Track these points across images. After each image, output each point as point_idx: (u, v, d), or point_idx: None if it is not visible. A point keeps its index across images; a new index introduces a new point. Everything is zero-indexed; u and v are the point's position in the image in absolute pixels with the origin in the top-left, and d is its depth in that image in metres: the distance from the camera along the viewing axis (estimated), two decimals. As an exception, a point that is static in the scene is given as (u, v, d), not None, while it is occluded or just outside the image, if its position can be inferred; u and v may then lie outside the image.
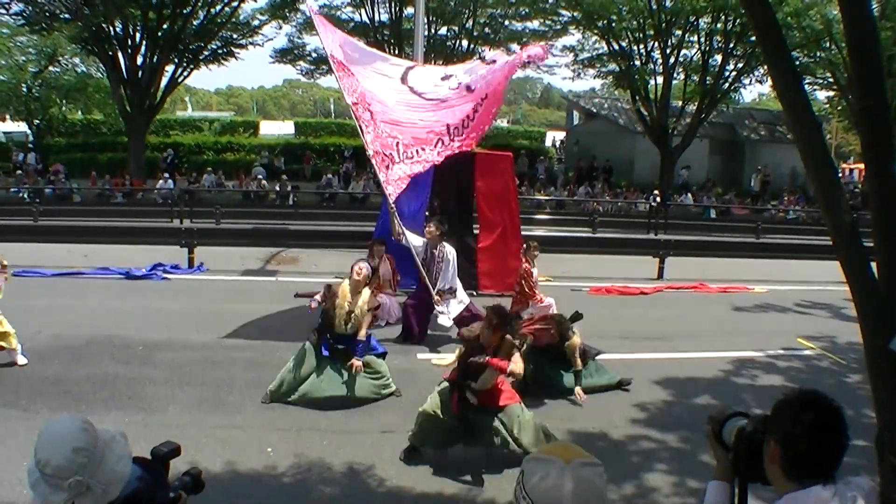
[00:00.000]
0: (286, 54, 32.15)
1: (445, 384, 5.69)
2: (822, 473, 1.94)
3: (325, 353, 6.82)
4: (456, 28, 30.52)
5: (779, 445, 1.98)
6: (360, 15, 30.03)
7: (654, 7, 25.87)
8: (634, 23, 26.79)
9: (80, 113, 32.66)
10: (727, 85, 28.34)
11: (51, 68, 27.18)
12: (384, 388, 6.99)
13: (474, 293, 11.68)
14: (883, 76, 3.40)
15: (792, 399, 2.03)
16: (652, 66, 28.13)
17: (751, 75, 28.67)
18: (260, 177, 26.61)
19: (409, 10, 26.83)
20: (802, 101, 3.61)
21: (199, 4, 26.69)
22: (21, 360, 7.41)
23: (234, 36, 30.01)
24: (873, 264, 3.51)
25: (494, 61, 9.47)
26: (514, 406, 5.57)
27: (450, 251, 8.98)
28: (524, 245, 10.98)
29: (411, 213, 11.24)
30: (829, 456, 1.96)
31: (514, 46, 31.31)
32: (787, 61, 3.67)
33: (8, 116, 29.42)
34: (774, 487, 2.02)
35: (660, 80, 28.11)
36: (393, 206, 8.57)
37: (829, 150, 3.92)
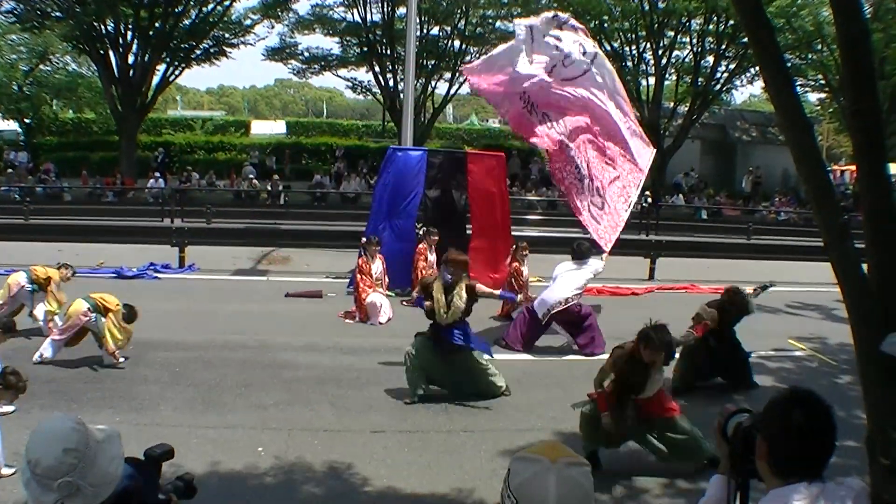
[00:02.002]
0: (278, 53, 32.06)
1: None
2: (808, 471, 1.94)
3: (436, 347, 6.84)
4: (448, 28, 30.51)
5: (766, 441, 1.99)
6: (353, 15, 30.04)
7: (647, 8, 25.93)
8: (626, 23, 26.82)
9: (71, 112, 32.52)
10: (719, 86, 28.45)
11: (42, 67, 27.08)
12: (495, 384, 7.00)
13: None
14: (875, 76, 3.41)
15: (783, 397, 2.04)
16: (644, 67, 28.21)
17: (742, 77, 28.85)
18: (251, 176, 26.55)
19: (402, 11, 26.76)
20: (794, 102, 3.62)
21: (191, 3, 26.61)
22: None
23: (226, 35, 29.88)
24: (864, 265, 3.52)
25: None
26: (675, 418, 5.46)
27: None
28: (514, 245, 11.01)
29: (404, 209, 11.30)
30: (814, 454, 1.96)
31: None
32: (778, 62, 3.67)
33: (-1, 115, 29.29)
34: (764, 483, 2.04)
35: (651, 80, 28.16)
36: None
37: (820, 152, 3.93)
